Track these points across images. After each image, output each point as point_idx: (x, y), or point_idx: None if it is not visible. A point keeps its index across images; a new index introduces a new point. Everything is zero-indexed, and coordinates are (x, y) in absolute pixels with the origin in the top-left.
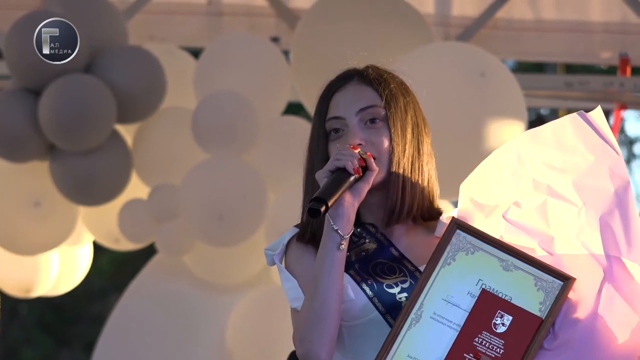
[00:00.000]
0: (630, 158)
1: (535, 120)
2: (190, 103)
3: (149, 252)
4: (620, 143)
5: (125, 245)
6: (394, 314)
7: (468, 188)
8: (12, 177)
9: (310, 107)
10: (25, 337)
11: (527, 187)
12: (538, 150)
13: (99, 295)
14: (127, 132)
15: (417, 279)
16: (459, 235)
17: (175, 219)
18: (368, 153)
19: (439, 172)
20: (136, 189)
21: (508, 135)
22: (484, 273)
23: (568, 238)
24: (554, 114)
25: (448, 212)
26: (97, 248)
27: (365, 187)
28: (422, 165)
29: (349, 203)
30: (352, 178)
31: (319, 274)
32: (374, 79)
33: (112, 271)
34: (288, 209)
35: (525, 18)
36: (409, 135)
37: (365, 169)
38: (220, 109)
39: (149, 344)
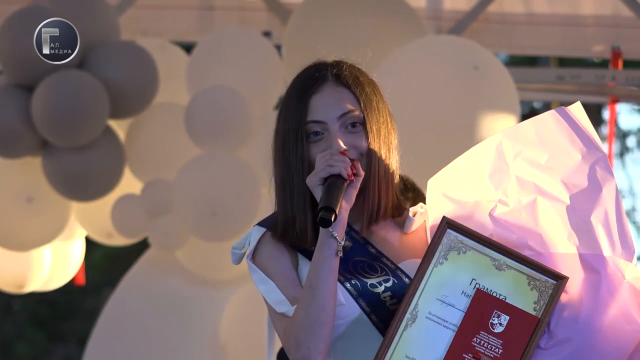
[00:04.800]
0: (623, 151)
1: (529, 114)
2: (183, 98)
3: (141, 247)
4: (613, 136)
5: (118, 240)
6: (379, 313)
7: (438, 183)
8: (4, 173)
9: None
10: (18, 333)
11: (512, 185)
12: (520, 148)
13: (93, 291)
14: (119, 127)
15: (400, 277)
16: (450, 234)
17: (169, 214)
18: (355, 159)
19: (432, 165)
20: (129, 184)
21: (501, 128)
22: (477, 272)
23: (558, 237)
24: (547, 108)
25: (414, 207)
26: (90, 243)
27: (354, 193)
28: (392, 162)
29: (345, 210)
30: (345, 184)
31: (316, 281)
32: (351, 82)
33: (106, 266)
34: None
35: (517, 12)
36: (382, 136)
37: (354, 174)
38: (213, 104)
39: (142, 339)
